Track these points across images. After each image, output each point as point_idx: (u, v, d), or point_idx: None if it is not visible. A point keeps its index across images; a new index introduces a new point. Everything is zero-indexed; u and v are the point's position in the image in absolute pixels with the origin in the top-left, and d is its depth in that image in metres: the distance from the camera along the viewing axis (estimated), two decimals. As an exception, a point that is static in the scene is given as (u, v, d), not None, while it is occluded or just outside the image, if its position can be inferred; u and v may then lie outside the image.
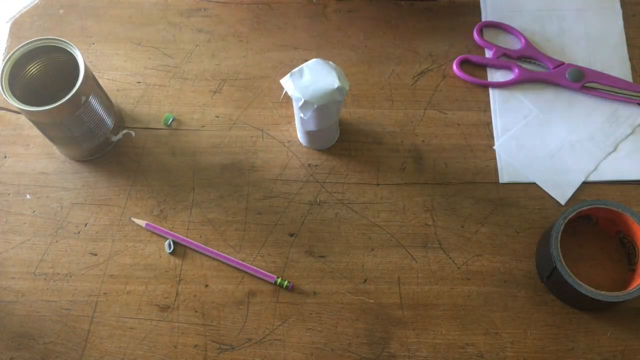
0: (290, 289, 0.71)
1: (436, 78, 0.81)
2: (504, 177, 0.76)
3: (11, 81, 0.69)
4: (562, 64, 0.80)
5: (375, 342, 0.69)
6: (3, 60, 0.71)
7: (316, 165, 0.77)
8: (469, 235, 0.73)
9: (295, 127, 0.78)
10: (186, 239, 0.73)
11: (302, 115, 0.68)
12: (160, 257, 0.73)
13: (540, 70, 0.81)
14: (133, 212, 0.75)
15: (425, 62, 0.82)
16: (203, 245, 0.73)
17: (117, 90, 0.81)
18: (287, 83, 0.67)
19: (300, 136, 0.77)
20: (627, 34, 0.82)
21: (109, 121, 0.76)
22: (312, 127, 0.71)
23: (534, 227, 0.73)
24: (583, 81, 0.79)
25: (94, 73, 0.75)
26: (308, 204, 0.75)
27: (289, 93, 0.67)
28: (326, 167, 0.77)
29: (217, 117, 0.80)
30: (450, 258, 0.72)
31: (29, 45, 0.70)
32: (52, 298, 0.71)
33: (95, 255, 0.73)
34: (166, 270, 0.72)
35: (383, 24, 0.84)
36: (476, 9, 0.85)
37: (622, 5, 0.84)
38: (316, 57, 0.74)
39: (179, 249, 0.73)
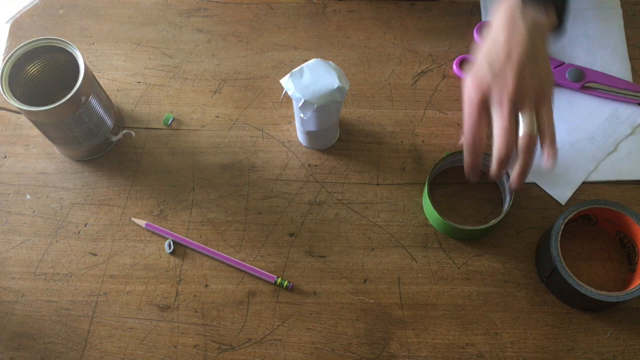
0: (290, 289, 0.71)
1: (436, 78, 0.81)
2: (504, 177, 0.75)
3: (11, 81, 0.69)
4: (562, 64, 0.80)
5: (375, 342, 0.69)
6: (3, 60, 0.71)
7: (316, 165, 0.77)
8: (469, 235, 0.73)
9: (295, 127, 0.78)
10: (186, 239, 0.73)
11: (302, 115, 0.68)
12: (160, 257, 0.73)
13: (540, 70, 0.81)
14: (133, 212, 0.75)
15: (425, 62, 0.82)
16: (203, 245, 0.73)
17: (117, 90, 0.81)
18: (287, 83, 0.67)
19: (300, 136, 0.77)
20: (627, 34, 0.82)
21: (109, 121, 0.76)
22: (312, 127, 0.70)
23: (534, 227, 0.73)
24: (583, 81, 0.79)
25: (94, 73, 0.75)
26: (308, 204, 0.75)
27: (289, 93, 0.67)
28: (326, 167, 0.77)
29: (217, 117, 0.80)
30: (450, 258, 0.72)
31: (29, 45, 0.70)
32: (52, 298, 0.71)
33: (95, 255, 0.73)
34: (166, 270, 0.72)
35: (383, 24, 0.84)
36: (476, 9, 0.85)
37: (622, 5, 0.84)
38: (316, 57, 0.74)
39: (179, 249, 0.73)
